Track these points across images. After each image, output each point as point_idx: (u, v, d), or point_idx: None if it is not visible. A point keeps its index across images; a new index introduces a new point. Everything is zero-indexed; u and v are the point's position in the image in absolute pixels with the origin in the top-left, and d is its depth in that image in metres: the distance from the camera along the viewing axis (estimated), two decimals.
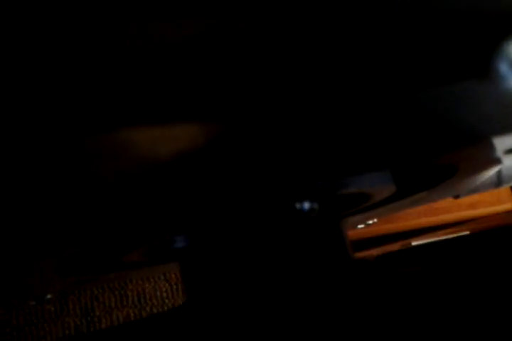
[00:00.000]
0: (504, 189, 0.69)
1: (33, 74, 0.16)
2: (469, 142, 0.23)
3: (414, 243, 0.82)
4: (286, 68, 0.19)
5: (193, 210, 0.24)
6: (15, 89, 0.16)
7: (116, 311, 0.83)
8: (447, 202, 0.68)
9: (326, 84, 0.20)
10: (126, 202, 0.22)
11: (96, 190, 0.20)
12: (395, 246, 0.85)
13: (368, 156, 0.22)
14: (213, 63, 0.18)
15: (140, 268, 0.40)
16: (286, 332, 0.29)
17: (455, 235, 0.83)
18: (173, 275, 0.85)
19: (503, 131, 0.22)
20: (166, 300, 0.85)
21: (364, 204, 0.33)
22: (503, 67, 0.19)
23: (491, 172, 0.34)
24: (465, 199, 0.68)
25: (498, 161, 0.29)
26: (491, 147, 0.25)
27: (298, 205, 0.28)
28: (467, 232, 0.83)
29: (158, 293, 0.85)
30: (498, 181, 0.41)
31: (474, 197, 0.68)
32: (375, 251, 0.88)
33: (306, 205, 0.28)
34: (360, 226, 0.47)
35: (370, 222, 0.46)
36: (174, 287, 0.85)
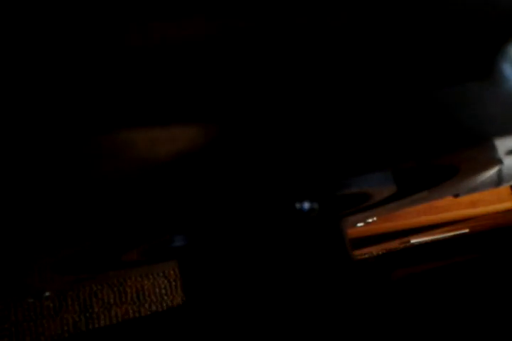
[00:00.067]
0: (504, 188, 0.69)
1: (33, 74, 0.16)
2: (472, 143, 0.23)
3: (412, 241, 0.83)
4: (286, 68, 0.19)
5: (192, 210, 0.24)
6: (15, 89, 0.16)
7: (115, 307, 0.83)
8: (447, 200, 0.68)
9: (326, 84, 0.19)
10: (126, 202, 0.21)
11: (95, 190, 0.20)
12: (394, 244, 0.85)
13: (369, 156, 0.22)
14: (213, 63, 0.18)
15: (139, 266, 0.40)
16: (285, 331, 0.29)
17: (454, 233, 0.83)
18: (172, 272, 0.85)
19: (505, 132, 0.22)
20: (165, 297, 0.85)
21: (364, 204, 0.33)
22: (507, 69, 0.19)
23: (492, 171, 0.34)
24: (465, 198, 0.68)
25: (499, 162, 0.29)
26: (493, 148, 0.25)
27: (298, 205, 0.28)
28: (466, 230, 0.83)
29: (157, 290, 0.85)
30: (499, 180, 0.41)
31: (474, 196, 0.68)
32: (374, 249, 0.88)
33: (306, 205, 0.28)
34: (359, 224, 0.47)
35: (370, 220, 0.46)
36: (173, 284, 0.85)
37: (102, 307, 0.82)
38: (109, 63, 0.16)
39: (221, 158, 0.20)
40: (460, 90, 0.20)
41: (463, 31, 0.18)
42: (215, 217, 0.27)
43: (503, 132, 0.22)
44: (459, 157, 0.26)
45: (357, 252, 0.80)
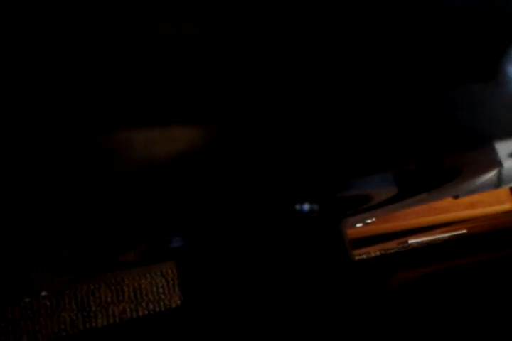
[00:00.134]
0: (503, 189, 0.69)
1: (33, 74, 0.16)
2: (475, 145, 0.23)
3: (410, 241, 0.83)
4: (286, 68, 0.19)
5: (191, 211, 0.24)
6: (14, 89, 0.16)
7: (113, 306, 0.83)
8: (446, 201, 0.68)
9: (327, 85, 0.19)
10: (125, 202, 0.21)
11: (94, 191, 0.20)
12: (392, 244, 0.85)
13: (371, 159, 0.22)
14: (213, 63, 0.18)
15: (136, 267, 0.40)
16: (285, 332, 0.29)
17: (452, 234, 0.83)
18: (169, 271, 0.85)
19: (509, 134, 0.22)
20: (162, 296, 0.85)
21: (364, 206, 0.33)
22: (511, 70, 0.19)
23: (492, 173, 0.34)
24: (464, 199, 0.68)
25: (499, 164, 0.29)
26: (495, 150, 0.25)
27: (298, 207, 0.28)
28: (464, 231, 0.83)
29: (155, 289, 0.85)
30: (498, 182, 0.41)
31: (473, 197, 0.68)
32: (372, 250, 0.88)
33: (306, 207, 0.28)
34: (358, 225, 0.47)
35: (369, 221, 0.46)
36: (170, 282, 0.85)
37: (100, 305, 0.82)
38: (109, 63, 0.16)
39: (221, 159, 0.20)
40: (464, 92, 0.20)
41: (467, 33, 0.18)
42: (214, 218, 0.27)
43: (508, 134, 0.22)
44: (462, 159, 0.25)
45: (355, 252, 0.80)
